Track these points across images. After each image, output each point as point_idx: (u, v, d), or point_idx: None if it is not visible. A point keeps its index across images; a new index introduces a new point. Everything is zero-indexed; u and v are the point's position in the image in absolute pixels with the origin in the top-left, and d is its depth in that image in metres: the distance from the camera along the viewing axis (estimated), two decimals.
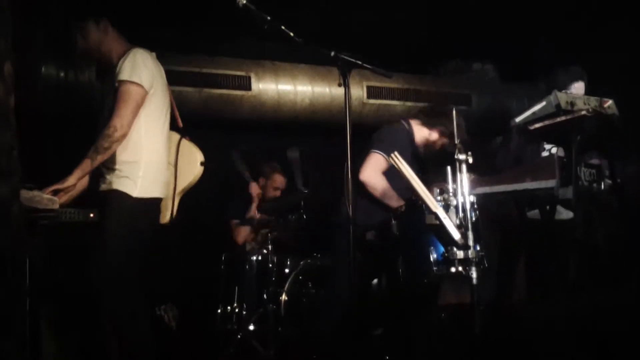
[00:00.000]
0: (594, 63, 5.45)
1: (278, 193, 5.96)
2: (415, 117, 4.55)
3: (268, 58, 6.05)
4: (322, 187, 5.18)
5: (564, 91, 4.47)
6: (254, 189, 5.78)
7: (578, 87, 4.55)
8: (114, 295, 3.40)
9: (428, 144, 4.47)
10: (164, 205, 3.66)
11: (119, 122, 3.39)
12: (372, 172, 4.16)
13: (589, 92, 4.00)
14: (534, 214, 4.16)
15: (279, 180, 5.98)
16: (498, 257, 4.58)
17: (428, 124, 4.45)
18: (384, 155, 4.15)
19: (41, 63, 4.99)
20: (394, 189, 4.16)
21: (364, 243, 3.95)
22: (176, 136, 3.77)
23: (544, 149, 4.52)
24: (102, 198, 3.54)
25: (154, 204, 3.57)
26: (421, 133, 4.45)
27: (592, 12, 5.70)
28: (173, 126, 3.76)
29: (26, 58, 4.79)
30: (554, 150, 4.33)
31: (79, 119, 4.26)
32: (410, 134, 4.44)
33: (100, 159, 3.40)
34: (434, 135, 4.45)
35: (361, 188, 4.18)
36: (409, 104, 6.45)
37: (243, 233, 5.75)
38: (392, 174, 4.14)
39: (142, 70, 3.46)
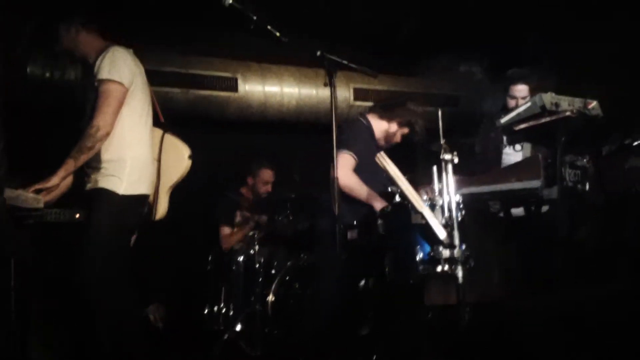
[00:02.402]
0: (582, 55, 5.52)
1: (269, 187, 5.95)
2: (372, 111, 4.56)
3: (255, 59, 6.05)
4: (309, 187, 5.18)
5: (507, 93, 4.65)
6: None
7: (518, 90, 4.63)
8: (102, 293, 3.40)
9: (388, 136, 4.48)
10: (157, 201, 3.66)
11: (101, 121, 3.39)
12: (348, 173, 4.15)
13: (572, 85, 4.01)
14: (519, 211, 4.18)
15: (267, 174, 5.97)
16: (484, 256, 4.60)
17: (385, 116, 4.45)
18: (350, 153, 4.16)
19: (27, 61, 4.97)
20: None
21: (347, 242, 3.96)
22: (159, 132, 3.77)
23: (505, 146, 4.56)
24: (87, 197, 3.53)
25: (141, 200, 3.58)
26: (380, 126, 4.46)
27: (581, 6, 5.73)
28: (155, 122, 3.75)
29: (12, 57, 4.77)
30: (517, 147, 4.35)
31: (65, 116, 4.23)
32: (369, 129, 4.44)
33: (83, 158, 3.40)
34: (393, 127, 4.46)
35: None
36: None
37: (233, 239, 5.73)
38: (359, 169, 4.17)
39: (121, 67, 3.46)
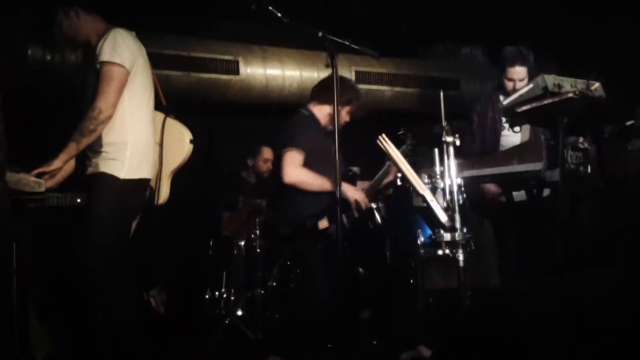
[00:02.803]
0: (582, 43, 5.50)
1: (270, 164, 5.92)
2: (310, 100, 4.47)
3: (256, 42, 6.02)
4: None
5: (504, 75, 4.51)
6: None
7: (515, 72, 4.47)
8: (103, 277, 3.38)
9: (333, 119, 4.39)
10: (160, 186, 3.63)
11: (103, 103, 3.36)
12: (295, 170, 4.09)
13: (571, 73, 3.98)
14: (520, 194, 4.17)
15: (266, 152, 5.94)
16: (487, 240, 4.60)
17: (324, 100, 4.33)
18: (295, 148, 4.10)
19: (28, 44, 4.94)
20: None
21: (321, 232, 3.94)
22: (160, 116, 3.73)
23: (503, 128, 4.51)
24: (88, 181, 3.51)
25: (142, 184, 3.55)
26: (322, 112, 4.36)
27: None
28: (157, 106, 3.73)
29: (12, 39, 4.75)
30: (516, 129, 4.32)
31: (66, 100, 4.22)
32: (313, 118, 4.36)
33: (85, 141, 3.37)
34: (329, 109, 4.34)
35: (292, 190, 4.13)
36: (397, 89, 6.46)
37: (234, 225, 5.72)
38: (313, 161, 4.14)
39: (122, 50, 3.42)
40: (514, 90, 4.17)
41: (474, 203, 4.08)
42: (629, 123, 3.94)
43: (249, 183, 6.00)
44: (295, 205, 4.15)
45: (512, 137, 4.41)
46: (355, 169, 4.21)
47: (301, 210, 4.09)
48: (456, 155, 3.36)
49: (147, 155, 3.56)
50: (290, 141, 4.14)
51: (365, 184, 4.22)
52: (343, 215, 3.77)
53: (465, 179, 3.47)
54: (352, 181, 4.17)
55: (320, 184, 4.07)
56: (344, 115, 4.33)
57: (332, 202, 3.87)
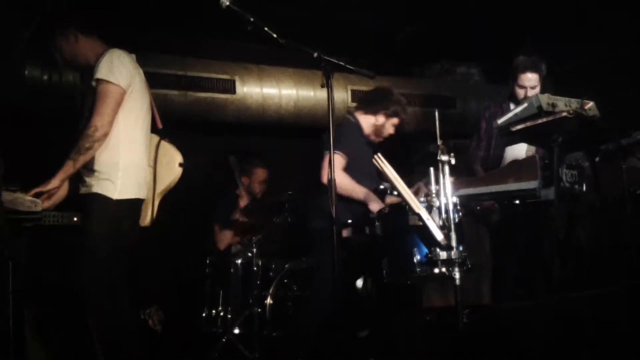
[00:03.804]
0: (580, 57, 5.53)
1: (264, 187, 5.96)
2: (358, 108, 4.56)
3: (253, 61, 6.05)
4: (307, 189, 5.18)
5: (515, 83, 4.50)
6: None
7: (527, 79, 4.44)
8: (98, 297, 3.39)
9: (377, 130, 4.46)
10: (144, 208, 3.64)
11: (99, 121, 3.37)
12: (336, 172, 4.12)
13: (568, 83, 3.99)
14: None
15: (261, 173, 5.98)
16: (483, 258, 4.60)
17: (370, 110, 4.44)
18: (339, 152, 4.14)
19: (25, 64, 4.96)
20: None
21: (342, 241, 3.94)
22: (155, 138, 3.75)
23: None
24: (82, 201, 3.52)
25: (135, 204, 3.56)
26: (367, 121, 4.45)
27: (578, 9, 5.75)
28: (153, 128, 3.75)
29: (9, 58, 4.77)
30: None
31: (63, 120, 4.23)
32: (358, 126, 4.44)
33: (82, 159, 3.38)
34: (380, 119, 4.44)
35: (326, 190, 4.15)
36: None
37: (225, 238, 5.73)
38: (352, 169, 4.17)
39: (119, 70, 3.44)
40: (526, 98, 4.18)
41: (472, 216, 4.11)
42: (624, 142, 3.95)
43: (244, 201, 6.01)
44: (324, 208, 4.16)
45: (517, 146, 4.40)
46: (387, 184, 4.23)
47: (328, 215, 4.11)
48: (453, 171, 3.38)
49: (139, 175, 3.57)
50: (336, 144, 4.15)
51: (393, 199, 4.24)
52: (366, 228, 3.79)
53: (461, 197, 3.49)
54: (381, 196, 4.20)
55: (355, 192, 4.13)
56: (389, 127, 4.44)
57: (362, 214, 3.88)
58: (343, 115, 4.51)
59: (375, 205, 4.08)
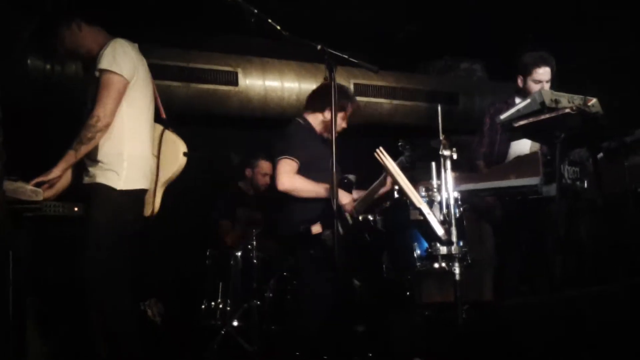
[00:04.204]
0: (586, 56, 5.51)
1: (267, 179, 5.95)
2: (305, 109, 4.49)
3: (256, 54, 6.04)
4: None
5: (530, 78, 4.50)
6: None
7: (541, 73, 4.47)
8: (101, 289, 3.39)
9: (328, 126, 4.28)
10: (147, 198, 3.63)
11: (101, 111, 3.37)
12: (290, 178, 4.12)
13: (575, 82, 3.97)
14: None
15: (265, 165, 5.96)
16: (485, 254, 4.60)
17: (317, 108, 4.38)
18: (290, 157, 4.13)
19: (27, 55, 4.96)
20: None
21: (314, 237, 3.95)
22: (159, 128, 3.74)
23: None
24: (85, 191, 3.51)
25: (139, 195, 3.56)
26: (316, 120, 4.39)
27: (578, 8, 5.75)
28: (156, 118, 3.74)
29: (12, 50, 4.76)
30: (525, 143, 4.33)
31: (65, 111, 4.23)
32: (308, 127, 4.38)
33: (84, 150, 3.38)
34: (327, 115, 4.31)
35: (287, 197, 4.17)
36: (395, 102, 6.47)
37: (236, 235, 5.73)
38: (310, 169, 4.16)
39: (122, 60, 3.43)
40: (538, 91, 4.17)
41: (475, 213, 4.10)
42: (628, 139, 3.94)
43: (246, 194, 6.01)
44: (290, 212, 4.19)
45: (522, 143, 4.39)
46: (351, 176, 4.22)
47: (295, 216, 4.13)
48: (456, 166, 3.37)
49: (144, 165, 3.57)
50: (286, 150, 4.17)
51: (361, 193, 4.23)
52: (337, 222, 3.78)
53: (462, 192, 3.48)
54: (348, 189, 4.18)
55: (315, 191, 4.10)
56: (340, 121, 4.35)
57: (326, 208, 3.89)
58: (291, 122, 4.46)
59: (344, 198, 4.07)
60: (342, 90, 4.40)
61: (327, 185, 4.07)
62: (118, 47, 3.46)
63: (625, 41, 5.98)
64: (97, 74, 3.42)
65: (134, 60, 3.51)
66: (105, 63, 3.40)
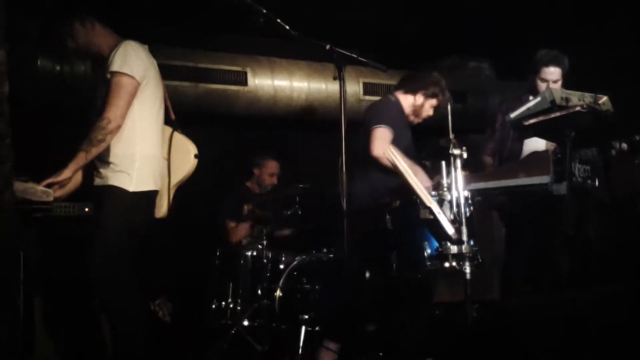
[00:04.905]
0: (589, 55, 5.49)
1: (274, 179, 5.97)
2: (398, 88, 4.53)
3: (264, 54, 6.04)
4: (318, 182, 5.18)
5: (537, 76, 4.50)
6: None
7: (550, 73, 4.47)
8: (110, 289, 3.40)
9: (416, 110, 4.43)
10: (159, 199, 3.64)
11: (112, 113, 3.38)
12: (385, 145, 3.99)
13: (580, 82, 3.96)
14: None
15: (273, 165, 5.99)
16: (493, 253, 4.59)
17: (410, 90, 4.43)
18: (386, 126, 4.11)
19: (37, 55, 4.97)
20: None
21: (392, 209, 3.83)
22: (168, 130, 3.75)
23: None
24: (96, 193, 3.52)
25: (150, 196, 3.57)
26: (407, 101, 4.43)
27: (588, 6, 5.72)
28: (166, 120, 3.75)
29: (21, 49, 4.77)
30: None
31: (75, 111, 4.24)
32: (398, 106, 4.41)
33: (94, 151, 3.38)
34: (419, 100, 4.41)
35: (374, 165, 4.09)
36: None
37: (240, 233, 5.73)
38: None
39: (133, 62, 3.44)
40: (547, 89, 4.15)
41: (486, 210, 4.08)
42: (638, 138, 3.92)
43: (253, 193, 6.01)
44: (371, 183, 4.14)
45: (534, 140, 4.35)
46: (427, 162, 4.22)
47: (379, 187, 4.09)
48: (465, 165, 3.36)
49: (154, 167, 3.58)
50: (382, 120, 4.14)
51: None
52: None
53: (472, 191, 3.48)
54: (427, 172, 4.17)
55: (408, 164, 4.02)
56: (427, 108, 4.43)
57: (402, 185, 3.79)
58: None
59: (425, 182, 4.00)
60: (434, 78, 4.47)
61: (416, 165, 4.07)
62: (130, 49, 3.46)
63: (625, 42, 5.96)
64: (108, 75, 3.43)
65: (145, 62, 3.52)
66: (116, 65, 3.41)
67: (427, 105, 4.42)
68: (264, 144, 6.33)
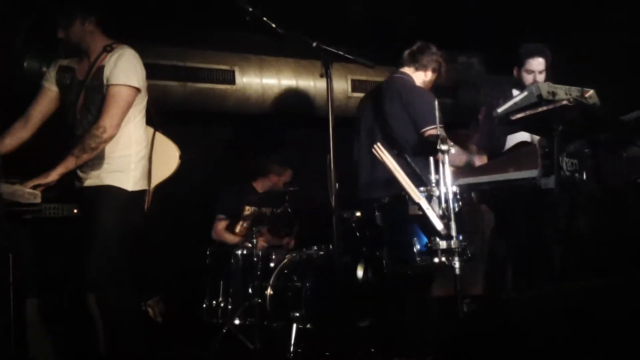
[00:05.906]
0: (577, 45, 5.52)
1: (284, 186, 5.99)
2: (406, 65, 4.49)
3: (252, 52, 6.04)
4: (307, 181, 5.18)
5: (523, 68, 4.52)
6: None
7: (535, 64, 4.49)
8: (106, 288, 3.41)
9: (425, 86, 4.44)
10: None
11: (108, 122, 3.41)
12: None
13: (570, 73, 3.97)
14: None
15: (289, 174, 6.08)
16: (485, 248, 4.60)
17: (420, 67, 4.43)
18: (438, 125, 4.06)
19: (24, 56, 4.95)
20: None
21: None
22: (150, 129, 3.77)
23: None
24: (88, 193, 3.51)
25: (142, 196, 3.62)
26: (419, 78, 4.43)
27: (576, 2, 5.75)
28: (147, 119, 3.75)
29: (8, 51, 4.75)
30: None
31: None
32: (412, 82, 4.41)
33: (85, 157, 3.41)
34: (429, 75, 4.44)
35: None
36: None
37: (241, 230, 5.73)
38: None
39: (137, 72, 3.50)
40: (534, 83, 4.17)
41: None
42: (625, 118, 3.88)
43: (255, 192, 5.98)
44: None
45: (521, 133, 4.36)
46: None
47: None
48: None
49: (146, 167, 3.63)
50: (430, 119, 3.95)
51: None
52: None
53: (461, 186, 3.48)
54: None
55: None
56: (433, 81, 4.46)
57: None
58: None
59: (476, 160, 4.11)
60: (441, 55, 4.49)
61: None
62: (131, 58, 3.50)
63: (623, 33, 5.98)
64: (106, 84, 3.44)
65: (143, 71, 3.57)
66: (120, 77, 3.44)
67: (434, 80, 4.46)
68: (255, 142, 6.32)
